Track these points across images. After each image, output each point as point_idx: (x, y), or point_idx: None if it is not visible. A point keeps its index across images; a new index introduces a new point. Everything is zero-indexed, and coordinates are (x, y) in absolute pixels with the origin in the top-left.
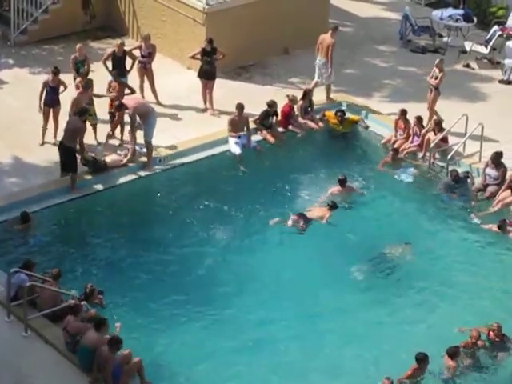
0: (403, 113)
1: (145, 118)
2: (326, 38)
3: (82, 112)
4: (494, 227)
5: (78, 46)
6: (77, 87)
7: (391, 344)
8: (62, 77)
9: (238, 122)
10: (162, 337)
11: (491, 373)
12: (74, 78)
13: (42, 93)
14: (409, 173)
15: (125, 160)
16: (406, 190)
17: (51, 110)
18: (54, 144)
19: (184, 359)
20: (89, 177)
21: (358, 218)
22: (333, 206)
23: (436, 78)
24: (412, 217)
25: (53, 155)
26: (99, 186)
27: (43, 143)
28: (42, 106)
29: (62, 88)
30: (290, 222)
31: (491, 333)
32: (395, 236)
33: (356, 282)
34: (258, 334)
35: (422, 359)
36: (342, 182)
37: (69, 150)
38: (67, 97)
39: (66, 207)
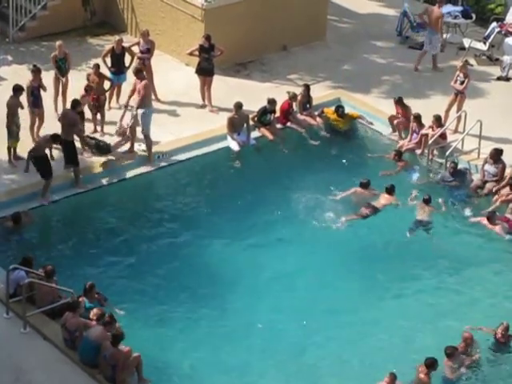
0: (399, 100)
1: (146, 107)
2: (435, 9)
3: (75, 104)
4: (484, 220)
5: (58, 43)
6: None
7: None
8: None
9: (237, 121)
10: (163, 335)
11: (491, 374)
12: (55, 76)
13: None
14: (416, 172)
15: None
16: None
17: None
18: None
19: (184, 360)
20: (90, 172)
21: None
22: (391, 190)
23: (462, 83)
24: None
25: (52, 152)
26: (98, 183)
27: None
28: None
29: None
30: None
31: (498, 333)
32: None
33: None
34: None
35: (431, 364)
36: (365, 186)
37: (68, 144)
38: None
39: (64, 203)
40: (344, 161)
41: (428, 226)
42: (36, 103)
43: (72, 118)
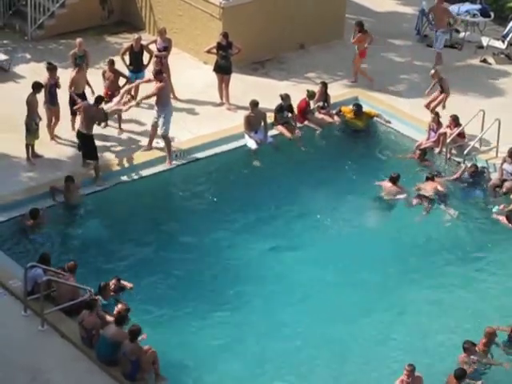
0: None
1: (164, 107)
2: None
3: (98, 100)
4: (504, 218)
5: (78, 40)
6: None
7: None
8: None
9: (254, 119)
10: (180, 333)
11: (505, 372)
12: None
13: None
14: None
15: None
16: None
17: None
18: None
19: (201, 357)
20: (108, 170)
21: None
22: (433, 177)
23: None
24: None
25: (69, 149)
26: (116, 180)
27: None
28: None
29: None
30: (414, 202)
31: None
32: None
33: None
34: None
35: (461, 376)
36: (394, 180)
37: (87, 138)
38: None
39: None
40: (386, 155)
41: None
42: (52, 101)
43: (93, 113)
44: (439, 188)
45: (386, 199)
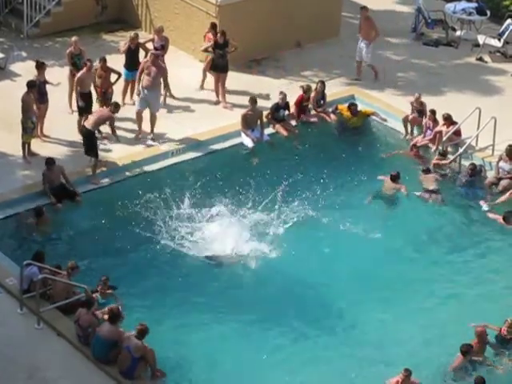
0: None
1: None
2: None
3: (116, 106)
4: (500, 218)
5: (73, 39)
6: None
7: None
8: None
9: (251, 117)
10: (175, 331)
11: (498, 370)
12: (71, 72)
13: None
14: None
15: None
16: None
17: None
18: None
19: (196, 355)
20: (100, 170)
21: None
22: (428, 169)
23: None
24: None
25: (65, 148)
26: (112, 179)
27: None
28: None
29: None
30: (425, 196)
31: (503, 329)
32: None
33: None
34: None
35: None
36: (394, 178)
37: (89, 134)
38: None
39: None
40: (382, 153)
41: (439, 195)
42: (41, 99)
43: (107, 115)
44: (439, 178)
45: (385, 195)
